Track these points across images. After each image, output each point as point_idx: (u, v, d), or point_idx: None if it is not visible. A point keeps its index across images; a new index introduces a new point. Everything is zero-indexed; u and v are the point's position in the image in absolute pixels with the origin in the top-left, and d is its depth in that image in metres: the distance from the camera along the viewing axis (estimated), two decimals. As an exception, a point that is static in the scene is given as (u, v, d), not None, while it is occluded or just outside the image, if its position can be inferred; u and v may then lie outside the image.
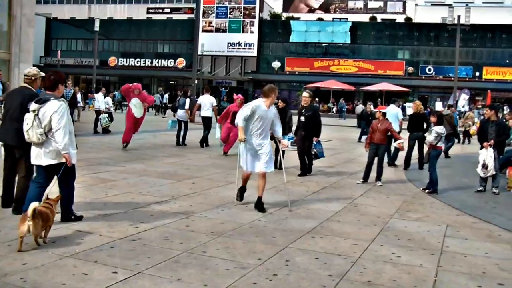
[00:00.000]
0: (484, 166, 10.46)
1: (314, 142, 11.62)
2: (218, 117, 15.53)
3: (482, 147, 10.72)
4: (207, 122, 16.63)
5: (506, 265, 5.74)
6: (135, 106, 14.46)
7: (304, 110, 11.63)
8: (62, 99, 6.33)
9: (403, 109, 17.17)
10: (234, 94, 14.10)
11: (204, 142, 16.62)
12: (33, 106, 6.10)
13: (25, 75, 6.96)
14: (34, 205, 5.35)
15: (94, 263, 5.02)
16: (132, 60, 63.95)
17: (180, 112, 17.23)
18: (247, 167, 7.95)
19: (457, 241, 6.67)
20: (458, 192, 10.53)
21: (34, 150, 6.25)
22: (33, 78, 6.81)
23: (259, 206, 7.79)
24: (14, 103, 6.75)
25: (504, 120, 15.09)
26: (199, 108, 16.88)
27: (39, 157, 6.23)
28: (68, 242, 5.64)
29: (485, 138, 10.69)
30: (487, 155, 10.47)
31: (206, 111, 16.63)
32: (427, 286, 4.96)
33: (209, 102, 16.65)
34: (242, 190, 8.23)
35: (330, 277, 5.02)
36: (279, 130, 8.26)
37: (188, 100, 17.51)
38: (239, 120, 7.88)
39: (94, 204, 7.55)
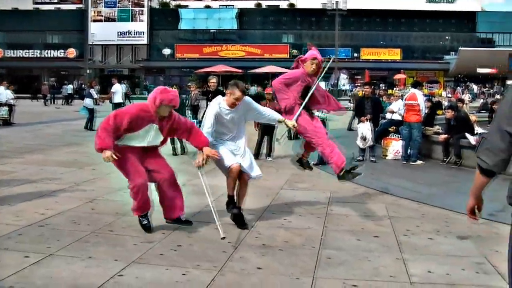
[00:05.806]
0: (363, 138, 11.45)
1: None
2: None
3: (359, 121, 11.74)
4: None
5: (380, 221, 6.56)
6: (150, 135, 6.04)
7: (211, 95, 11.21)
8: None
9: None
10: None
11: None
12: None
13: None
14: None
15: (4, 250, 5.05)
16: (20, 52, 60.59)
17: (87, 100, 19.02)
18: (230, 161, 6.06)
19: (340, 205, 7.41)
20: (341, 163, 11.40)
21: None
22: None
23: (239, 219, 6.21)
24: None
25: (378, 96, 16.56)
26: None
27: None
28: (-27, 234, 5.59)
29: (363, 113, 11.70)
30: (365, 128, 11.46)
31: (119, 98, 19.28)
32: (315, 243, 5.54)
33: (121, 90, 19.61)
34: (232, 202, 6.26)
35: (229, 243, 5.43)
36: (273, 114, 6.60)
37: (93, 90, 20.23)
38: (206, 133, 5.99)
39: (-5, 196, 7.39)
